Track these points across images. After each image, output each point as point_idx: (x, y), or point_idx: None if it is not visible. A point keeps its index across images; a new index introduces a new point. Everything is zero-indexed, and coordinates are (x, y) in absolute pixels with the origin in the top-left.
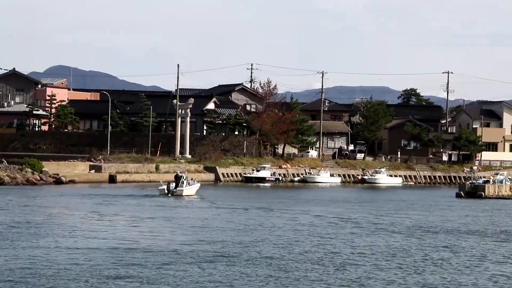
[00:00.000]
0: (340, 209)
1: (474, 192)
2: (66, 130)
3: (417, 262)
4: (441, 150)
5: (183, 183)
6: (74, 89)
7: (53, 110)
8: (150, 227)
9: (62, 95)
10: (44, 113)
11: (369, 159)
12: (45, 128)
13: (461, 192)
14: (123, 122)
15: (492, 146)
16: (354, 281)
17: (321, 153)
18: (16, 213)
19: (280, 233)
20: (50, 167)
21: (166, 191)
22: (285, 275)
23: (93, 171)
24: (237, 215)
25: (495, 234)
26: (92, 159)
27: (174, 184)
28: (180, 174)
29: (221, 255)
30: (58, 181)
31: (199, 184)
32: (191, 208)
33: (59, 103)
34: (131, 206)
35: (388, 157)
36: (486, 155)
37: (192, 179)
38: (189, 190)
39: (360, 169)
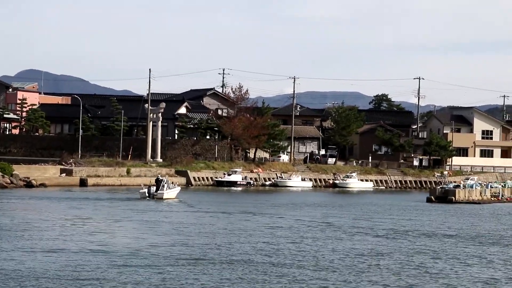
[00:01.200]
0: (318, 213)
1: (445, 196)
2: (37, 134)
3: (398, 264)
4: (412, 155)
5: (163, 186)
6: (45, 93)
7: (24, 114)
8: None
9: (33, 99)
10: (15, 116)
11: (340, 163)
12: (16, 131)
13: (432, 197)
14: (94, 126)
15: (463, 152)
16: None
17: (292, 157)
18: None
19: (267, 237)
20: (21, 170)
21: (147, 194)
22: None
23: (63, 174)
24: (226, 219)
25: (469, 237)
26: (63, 163)
27: (154, 187)
28: (160, 178)
29: (202, 257)
30: (28, 185)
31: (179, 188)
32: (176, 212)
33: (30, 107)
34: (117, 209)
35: (359, 161)
36: (457, 160)
37: (172, 182)
38: (170, 193)
39: (332, 174)
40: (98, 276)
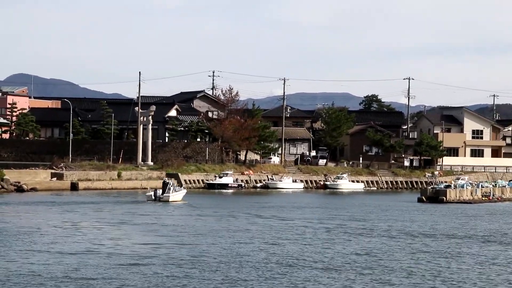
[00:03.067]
0: (317, 215)
1: (436, 197)
2: (27, 138)
3: (400, 264)
4: (403, 155)
5: (169, 189)
6: (35, 97)
7: (14, 118)
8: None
9: (23, 103)
10: (5, 121)
11: (331, 165)
12: (6, 136)
13: (423, 197)
14: (85, 129)
15: (453, 151)
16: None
17: (283, 159)
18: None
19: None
20: (11, 175)
21: (153, 197)
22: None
23: (54, 178)
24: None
25: (466, 237)
26: (54, 167)
27: (161, 190)
28: (167, 181)
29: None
30: (19, 189)
31: (185, 191)
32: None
33: (20, 111)
34: (126, 212)
35: (350, 162)
36: (447, 160)
37: (178, 185)
38: (176, 196)
39: (322, 175)
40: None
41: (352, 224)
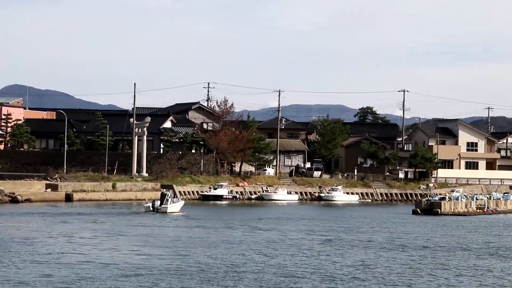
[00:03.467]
0: (321, 227)
1: (430, 209)
2: (22, 149)
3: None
4: (398, 167)
5: (167, 200)
6: (30, 108)
7: (9, 129)
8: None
9: (18, 114)
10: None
11: (326, 176)
12: (0, 147)
13: (418, 209)
14: (80, 140)
15: (448, 164)
16: None
17: (278, 171)
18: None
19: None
20: (6, 186)
21: (151, 208)
22: None
23: (49, 190)
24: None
25: (463, 249)
26: (48, 178)
27: (159, 201)
28: (165, 192)
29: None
30: (13, 200)
31: (183, 202)
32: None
33: (15, 122)
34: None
35: (345, 174)
36: (442, 173)
37: (176, 197)
38: (173, 207)
39: (317, 187)
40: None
41: (349, 237)
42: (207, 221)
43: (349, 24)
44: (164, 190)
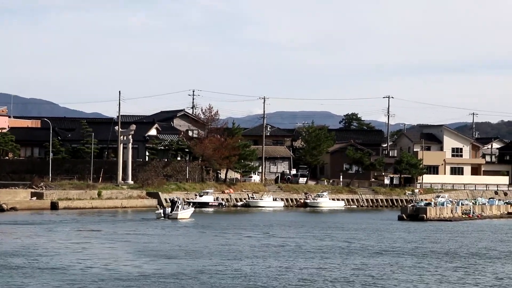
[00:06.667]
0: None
1: (416, 214)
2: (7, 158)
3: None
4: (383, 173)
5: (178, 207)
6: (15, 117)
7: None
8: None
9: (3, 123)
10: None
11: (311, 183)
12: None
13: (403, 215)
14: (65, 149)
15: (433, 169)
16: None
17: (263, 177)
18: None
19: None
20: None
21: (162, 215)
22: None
23: (34, 198)
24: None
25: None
26: (34, 186)
27: (170, 208)
28: (175, 199)
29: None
30: None
31: (193, 209)
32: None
33: (0, 131)
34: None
35: (331, 181)
36: (427, 178)
37: (186, 203)
38: (184, 213)
39: (303, 193)
40: None
41: (339, 243)
42: (221, 227)
43: (330, 42)
44: (175, 197)
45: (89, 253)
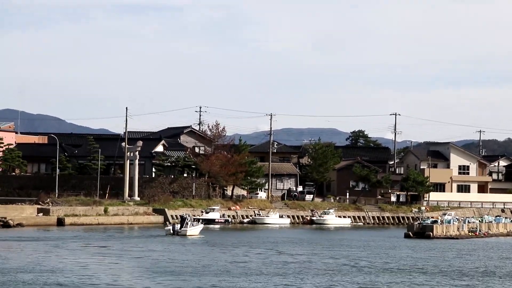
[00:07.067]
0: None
1: (423, 232)
2: (14, 174)
3: None
4: (390, 191)
5: (187, 224)
6: (21, 133)
7: (0, 154)
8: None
9: (10, 139)
10: None
11: (318, 200)
12: None
13: (410, 232)
14: (71, 165)
15: (440, 187)
16: None
17: (270, 194)
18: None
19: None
20: None
21: (171, 231)
22: None
23: (41, 214)
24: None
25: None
26: (40, 202)
27: (179, 225)
28: (184, 216)
29: None
30: (5, 225)
31: (202, 225)
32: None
33: (7, 147)
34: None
35: (337, 198)
36: (434, 196)
37: (195, 220)
38: (193, 230)
39: (309, 210)
40: None
41: (347, 261)
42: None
43: (335, 46)
44: (184, 213)
45: (99, 270)
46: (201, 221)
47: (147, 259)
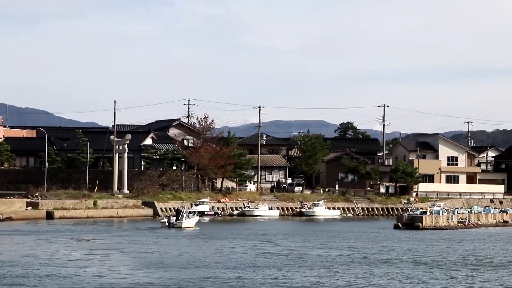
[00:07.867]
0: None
1: (412, 223)
2: (2, 167)
3: None
4: (379, 182)
5: (182, 216)
6: (10, 126)
7: None
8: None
9: None
10: None
11: (307, 192)
12: None
13: (399, 224)
14: (60, 158)
15: (429, 178)
16: None
17: (259, 186)
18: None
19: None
20: None
21: (167, 224)
22: None
23: (30, 208)
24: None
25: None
26: (29, 196)
27: (174, 217)
28: (180, 208)
29: None
30: None
31: (197, 218)
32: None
33: None
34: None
35: (326, 189)
36: (423, 187)
37: (190, 212)
38: (188, 222)
39: (299, 202)
40: None
41: (339, 252)
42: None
43: (325, 47)
44: (180, 206)
45: (94, 263)
46: (196, 213)
47: (151, 255)
